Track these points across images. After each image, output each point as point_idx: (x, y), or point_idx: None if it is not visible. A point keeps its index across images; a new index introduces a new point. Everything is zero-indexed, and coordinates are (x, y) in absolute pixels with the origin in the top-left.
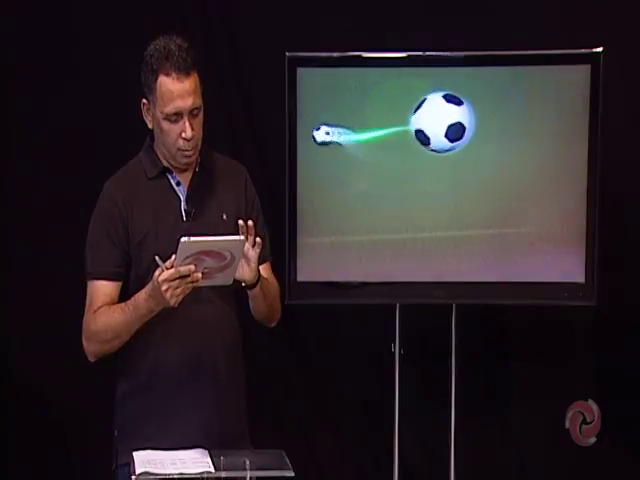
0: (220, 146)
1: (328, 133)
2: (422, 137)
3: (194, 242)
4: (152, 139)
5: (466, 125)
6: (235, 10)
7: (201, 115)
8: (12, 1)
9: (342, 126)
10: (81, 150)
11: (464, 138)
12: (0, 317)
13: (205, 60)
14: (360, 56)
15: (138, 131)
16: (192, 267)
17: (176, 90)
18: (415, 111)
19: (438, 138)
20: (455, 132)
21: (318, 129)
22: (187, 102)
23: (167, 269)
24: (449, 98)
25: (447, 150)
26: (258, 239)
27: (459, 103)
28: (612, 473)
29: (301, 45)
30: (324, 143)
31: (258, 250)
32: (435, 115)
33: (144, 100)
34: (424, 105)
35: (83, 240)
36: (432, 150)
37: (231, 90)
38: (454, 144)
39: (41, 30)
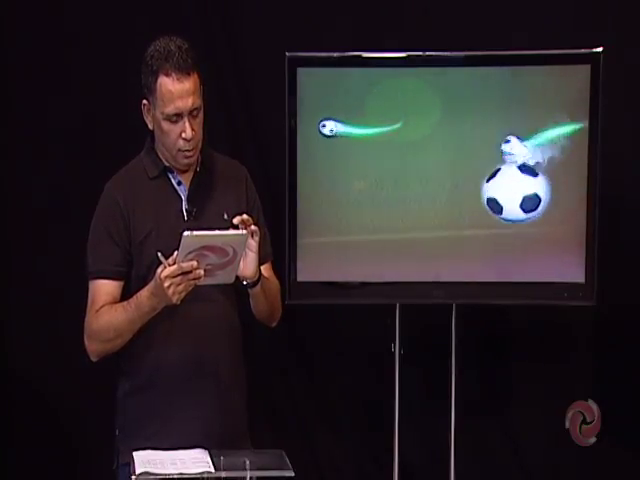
0: (220, 146)
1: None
2: (494, 205)
3: (197, 236)
4: (153, 139)
5: (542, 197)
6: (235, 10)
7: (201, 115)
8: (12, 1)
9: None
10: (81, 150)
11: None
12: (0, 317)
13: (205, 60)
14: (360, 56)
15: (138, 131)
16: (194, 263)
17: (176, 91)
18: (488, 180)
19: (511, 207)
20: (530, 203)
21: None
22: (187, 102)
23: (169, 265)
24: (524, 169)
25: (520, 220)
26: (254, 227)
27: (535, 174)
28: (612, 473)
29: (301, 45)
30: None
31: (257, 238)
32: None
33: (144, 101)
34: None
35: (83, 240)
36: (504, 219)
37: (231, 90)
38: (528, 215)
39: (41, 30)
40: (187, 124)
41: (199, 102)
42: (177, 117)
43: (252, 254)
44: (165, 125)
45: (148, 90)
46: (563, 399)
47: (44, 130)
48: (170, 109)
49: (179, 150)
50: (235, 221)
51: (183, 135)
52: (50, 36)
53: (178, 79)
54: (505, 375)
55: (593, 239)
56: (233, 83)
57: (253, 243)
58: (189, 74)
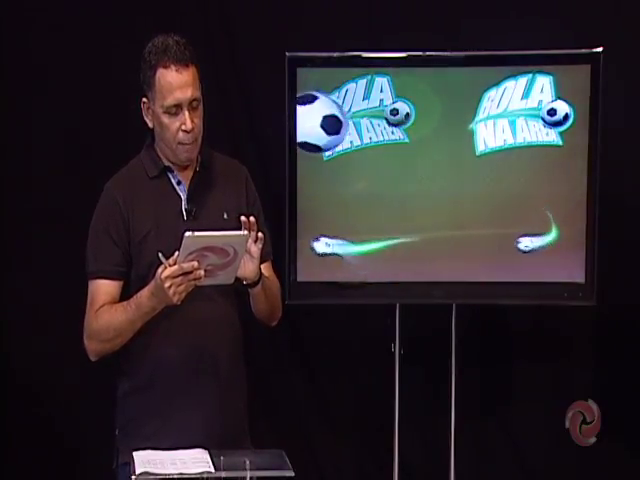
0: (220, 146)
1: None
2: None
3: (198, 237)
4: (153, 139)
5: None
6: (235, 10)
7: (201, 108)
8: (11, 1)
9: None
10: (81, 150)
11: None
12: (0, 317)
13: (205, 60)
14: (360, 56)
15: (138, 131)
16: (195, 263)
17: (175, 82)
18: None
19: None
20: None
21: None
22: (186, 93)
23: (170, 266)
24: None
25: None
26: (260, 234)
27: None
28: (612, 473)
29: (301, 45)
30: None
31: (260, 245)
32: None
33: (144, 99)
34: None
35: (83, 240)
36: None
37: (231, 90)
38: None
39: (41, 30)
40: (187, 115)
41: (198, 94)
42: (177, 108)
43: (254, 259)
44: (165, 119)
45: (147, 86)
46: (563, 399)
47: (44, 130)
48: (170, 100)
49: (179, 143)
50: (242, 218)
51: (183, 127)
52: (50, 35)
53: (177, 70)
54: (505, 375)
55: (593, 239)
56: (233, 83)
57: (255, 249)
58: (187, 66)
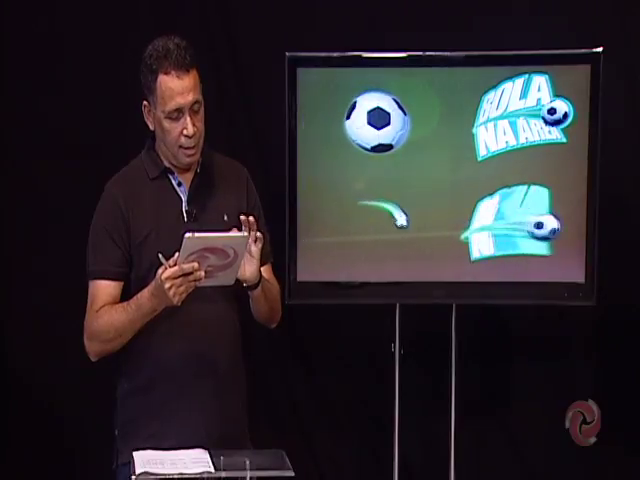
0: (220, 146)
1: None
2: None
3: (198, 238)
4: (153, 139)
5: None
6: (235, 10)
7: (202, 111)
8: (11, 1)
9: None
10: (81, 150)
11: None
12: (0, 317)
13: (205, 60)
14: (360, 56)
15: (138, 131)
16: (195, 264)
17: (176, 87)
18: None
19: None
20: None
21: None
22: (187, 98)
23: (170, 267)
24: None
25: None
26: (259, 234)
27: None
28: (612, 473)
29: (301, 45)
30: None
31: (260, 245)
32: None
33: (145, 102)
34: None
35: (83, 240)
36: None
37: (231, 90)
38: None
39: (40, 30)
40: (188, 120)
41: (199, 97)
42: (178, 113)
43: (254, 260)
44: (166, 123)
45: (148, 90)
46: (563, 399)
47: (44, 130)
48: (171, 106)
49: (180, 147)
50: (242, 217)
51: (184, 132)
52: (50, 36)
53: (178, 76)
54: (505, 375)
55: (593, 239)
56: (233, 83)
57: (255, 249)
58: (188, 71)
